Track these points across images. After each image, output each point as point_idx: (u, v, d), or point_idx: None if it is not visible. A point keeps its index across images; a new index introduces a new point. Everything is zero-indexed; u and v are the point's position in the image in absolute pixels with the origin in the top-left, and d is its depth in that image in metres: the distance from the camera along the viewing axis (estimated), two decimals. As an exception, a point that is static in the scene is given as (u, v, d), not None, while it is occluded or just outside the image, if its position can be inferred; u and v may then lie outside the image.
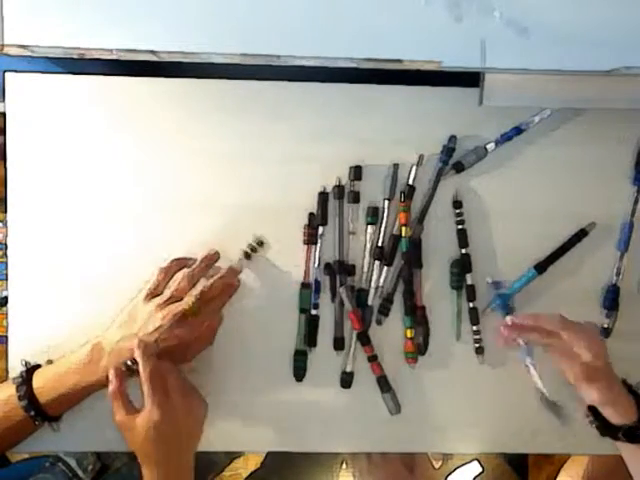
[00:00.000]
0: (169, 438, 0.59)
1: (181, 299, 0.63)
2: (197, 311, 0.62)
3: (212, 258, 0.66)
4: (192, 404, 0.61)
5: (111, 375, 0.60)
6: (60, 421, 0.65)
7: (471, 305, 0.69)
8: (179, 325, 0.61)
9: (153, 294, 0.64)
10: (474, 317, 0.69)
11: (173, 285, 0.63)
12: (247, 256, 0.68)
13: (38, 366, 0.65)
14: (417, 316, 0.69)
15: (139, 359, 0.59)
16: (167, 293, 0.63)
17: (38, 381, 0.62)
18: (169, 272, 0.64)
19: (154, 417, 0.58)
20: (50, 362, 0.66)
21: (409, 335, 0.69)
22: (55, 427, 0.65)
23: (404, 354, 0.70)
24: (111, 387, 0.60)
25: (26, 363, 0.65)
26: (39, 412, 0.62)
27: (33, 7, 0.53)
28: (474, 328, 0.70)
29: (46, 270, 0.68)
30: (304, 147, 0.68)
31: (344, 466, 0.95)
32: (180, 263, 0.65)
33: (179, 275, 0.64)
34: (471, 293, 0.69)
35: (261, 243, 0.68)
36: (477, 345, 0.70)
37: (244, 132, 0.67)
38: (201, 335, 0.64)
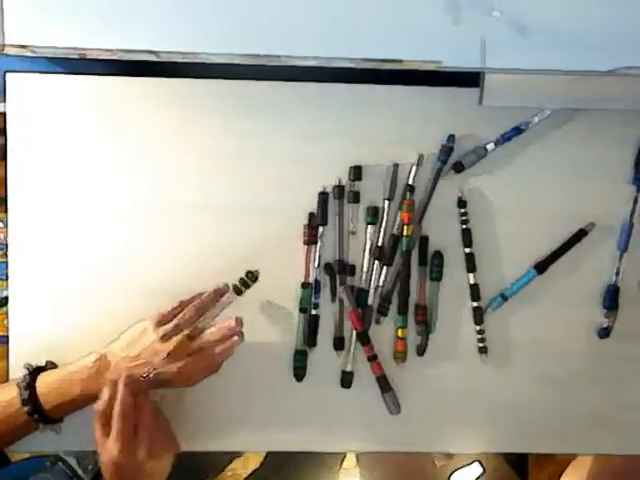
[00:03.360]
0: (126, 472, 0.59)
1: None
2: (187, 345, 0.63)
3: (222, 291, 0.66)
4: (159, 447, 0.61)
5: (104, 392, 0.60)
6: (61, 422, 0.65)
7: (475, 304, 0.69)
8: (176, 359, 0.62)
9: (163, 321, 0.64)
10: (478, 316, 0.69)
11: (181, 316, 0.64)
12: (238, 291, 0.66)
13: (41, 368, 0.65)
14: (418, 315, 0.69)
15: (119, 392, 0.60)
16: (174, 323, 0.63)
17: (42, 386, 0.62)
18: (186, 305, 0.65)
19: (113, 451, 0.58)
20: (50, 363, 0.66)
21: (400, 335, 0.69)
22: (57, 429, 0.65)
23: (393, 354, 0.70)
24: (100, 404, 0.60)
25: (29, 367, 0.65)
26: (42, 416, 0.62)
27: (33, 7, 0.53)
28: (477, 328, 0.70)
29: (46, 270, 0.68)
30: (304, 147, 0.68)
31: (346, 464, 0.95)
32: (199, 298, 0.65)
33: (189, 307, 0.64)
34: (475, 292, 0.69)
35: (255, 278, 0.67)
36: (481, 345, 0.70)
37: (244, 132, 0.67)
38: (207, 364, 0.64)
